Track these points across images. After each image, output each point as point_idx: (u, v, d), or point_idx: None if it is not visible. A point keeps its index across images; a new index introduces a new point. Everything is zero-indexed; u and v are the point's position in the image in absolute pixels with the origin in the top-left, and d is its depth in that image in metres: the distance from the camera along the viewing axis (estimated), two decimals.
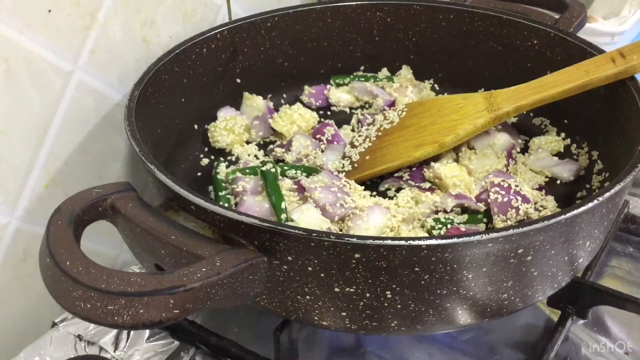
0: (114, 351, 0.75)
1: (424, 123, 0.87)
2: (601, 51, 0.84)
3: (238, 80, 0.97)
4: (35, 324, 0.80)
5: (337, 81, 1.03)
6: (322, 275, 0.58)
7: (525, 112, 0.93)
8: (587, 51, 0.85)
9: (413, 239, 0.55)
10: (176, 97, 0.87)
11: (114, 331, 0.76)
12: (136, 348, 0.76)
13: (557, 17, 0.99)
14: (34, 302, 0.80)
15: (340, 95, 1.03)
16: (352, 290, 0.58)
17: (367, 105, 1.03)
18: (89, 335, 0.76)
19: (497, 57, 0.93)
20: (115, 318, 0.50)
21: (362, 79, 1.03)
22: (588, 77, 0.80)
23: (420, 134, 0.86)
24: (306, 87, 1.03)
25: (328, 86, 1.04)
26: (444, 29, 1.00)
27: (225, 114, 0.95)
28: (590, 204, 0.59)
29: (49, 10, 0.72)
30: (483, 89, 0.96)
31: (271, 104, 0.98)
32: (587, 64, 0.81)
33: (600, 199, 0.59)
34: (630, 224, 0.90)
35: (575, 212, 0.58)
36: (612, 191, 0.60)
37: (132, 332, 0.77)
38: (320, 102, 1.03)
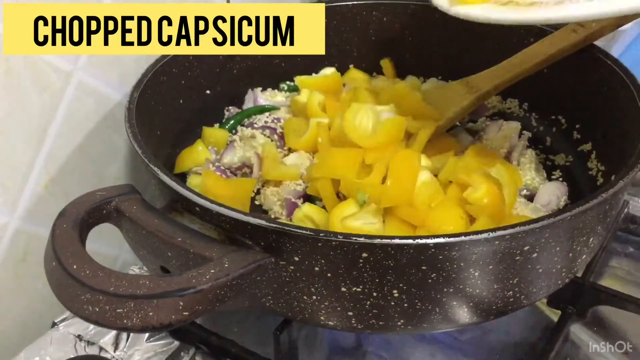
0: (114, 351, 0.75)
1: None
2: (599, 50, 0.84)
3: (235, 81, 0.97)
4: (35, 324, 0.80)
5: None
6: (329, 275, 0.58)
7: (525, 113, 0.96)
8: (584, 49, 0.85)
9: (420, 237, 0.55)
10: (175, 98, 0.87)
11: (114, 331, 0.76)
12: (136, 348, 0.75)
13: None
14: (34, 302, 0.80)
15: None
16: (359, 289, 0.58)
17: None
18: (89, 335, 0.76)
19: (494, 56, 0.93)
20: (125, 321, 0.50)
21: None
22: (554, 49, 0.84)
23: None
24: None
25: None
26: (440, 28, 1.00)
27: None
28: (595, 200, 0.59)
29: None
30: None
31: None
32: (551, 37, 0.86)
33: (605, 195, 0.60)
34: (630, 224, 0.91)
35: (580, 208, 0.58)
36: (617, 187, 0.61)
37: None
38: None
